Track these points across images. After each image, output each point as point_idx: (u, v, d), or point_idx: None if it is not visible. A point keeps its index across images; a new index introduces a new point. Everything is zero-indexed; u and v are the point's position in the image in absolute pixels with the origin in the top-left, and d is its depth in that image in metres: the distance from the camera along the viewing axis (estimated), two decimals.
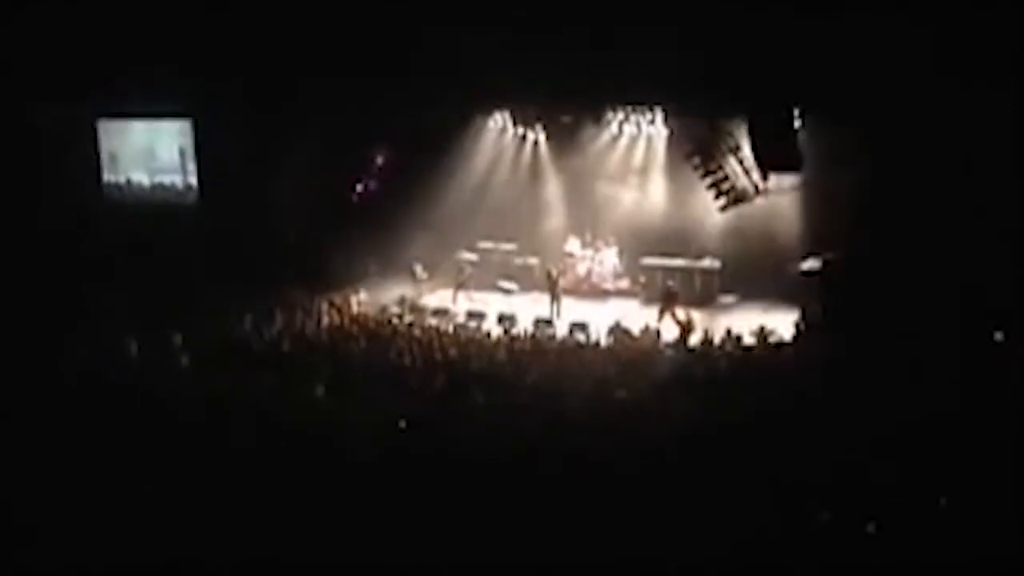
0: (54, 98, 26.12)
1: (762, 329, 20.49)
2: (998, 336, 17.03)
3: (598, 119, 25.82)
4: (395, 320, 22.76)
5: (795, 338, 20.38)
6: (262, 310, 21.54)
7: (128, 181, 29.76)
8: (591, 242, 26.76)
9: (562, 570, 9.60)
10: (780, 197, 23.71)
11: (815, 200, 22.91)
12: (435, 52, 22.96)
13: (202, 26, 24.30)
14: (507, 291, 26.34)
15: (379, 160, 27.49)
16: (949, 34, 18.41)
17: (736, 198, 22.42)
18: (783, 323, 21.29)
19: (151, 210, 28.77)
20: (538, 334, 21.53)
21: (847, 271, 20.34)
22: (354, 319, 22.70)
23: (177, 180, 29.13)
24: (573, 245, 26.85)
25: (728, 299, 24.82)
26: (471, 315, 23.51)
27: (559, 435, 12.71)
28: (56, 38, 25.11)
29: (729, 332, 20.36)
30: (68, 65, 25.46)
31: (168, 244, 25.61)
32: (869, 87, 19.29)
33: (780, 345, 19.92)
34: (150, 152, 29.55)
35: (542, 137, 27.29)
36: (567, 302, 24.78)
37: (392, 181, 27.33)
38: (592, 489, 10.65)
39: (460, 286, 25.96)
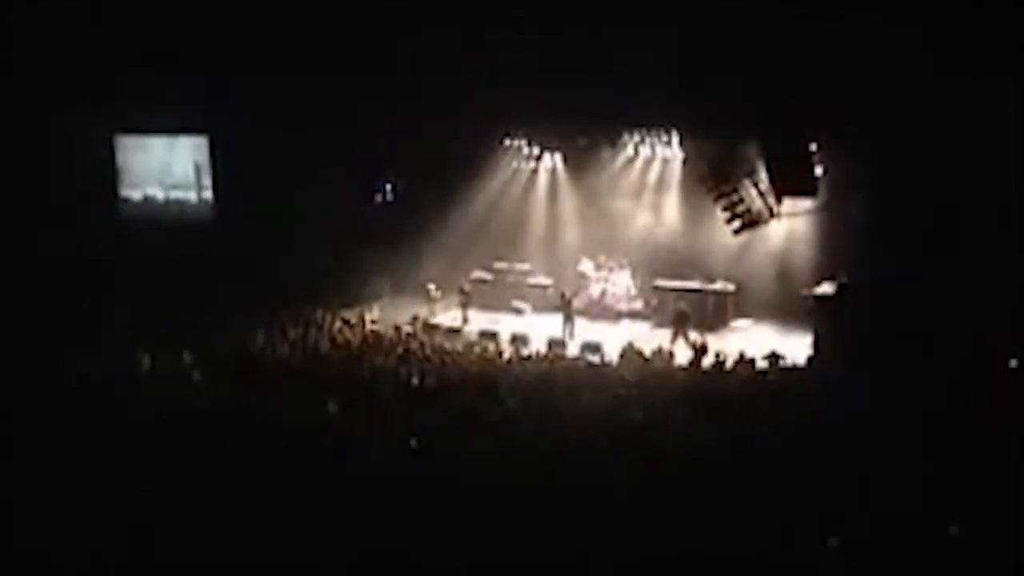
0: (72, 113, 26.28)
1: (774, 353, 20.43)
2: (1013, 363, 16.96)
3: (613, 142, 25.89)
4: (407, 338, 22.73)
5: (808, 362, 20.32)
6: (275, 326, 21.59)
7: (144, 196, 29.93)
8: (604, 263, 26.75)
9: None
10: (795, 221, 23.70)
11: (830, 224, 22.87)
12: (453, 74, 23.09)
13: (220, 44, 24.47)
14: (520, 311, 26.31)
15: (395, 179, 27.58)
16: (959, 51, 18.45)
17: (750, 221, 22.38)
18: (796, 347, 21.24)
19: (166, 225, 28.91)
20: (551, 354, 21.49)
21: (861, 296, 20.27)
22: (366, 337, 22.69)
23: (192, 196, 29.29)
24: (587, 266, 26.84)
25: (741, 322, 24.74)
26: (484, 334, 23.46)
27: (570, 453, 12.70)
28: (74, 54, 25.31)
29: (742, 355, 20.30)
30: (86, 81, 25.64)
31: (182, 259, 25.67)
32: (883, 108, 19.32)
33: (793, 369, 19.86)
34: (166, 168, 29.73)
35: (558, 158, 27.35)
36: (580, 323, 24.74)
37: (407, 200, 27.41)
38: (600, 508, 10.62)
39: (464, 306, 25.96)
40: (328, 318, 23.59)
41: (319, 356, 20.03)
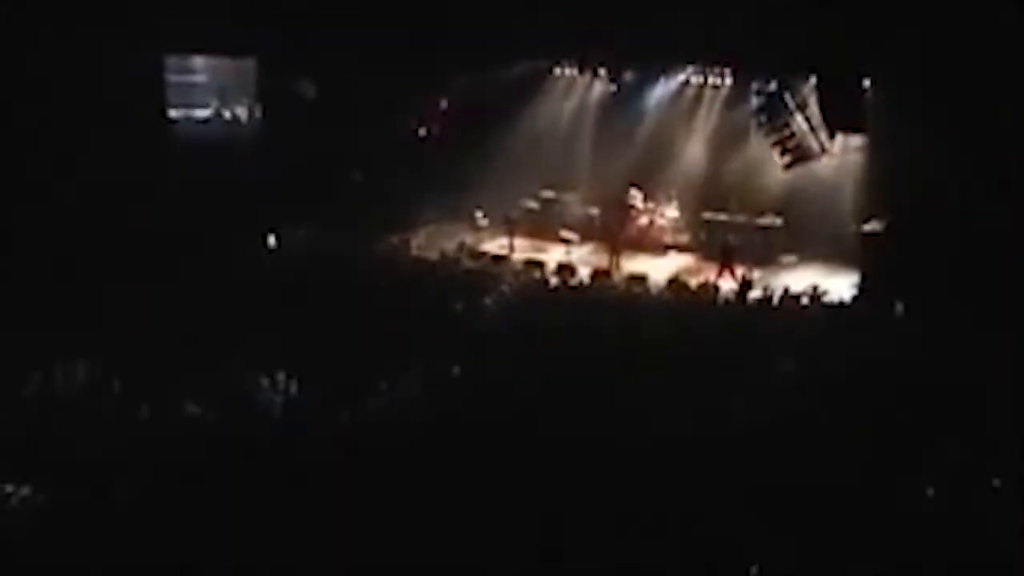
0: (121, 33, 26.27)
1: (815, 288, 20.42)
2: None
3: (665, 74, 25.72)
4: (453, 265, 22.86)
5: (854, 300, 20.31)
6: (323, 250, 21.80)
7: (191, 117, 30.00)
8: (653, 195, 26.64)
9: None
10: (845, 157, 23.55)
11: (880, 161, 22.65)
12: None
13: None
14: (567, 241, 26.31)
15: (444, 104, 27.53)
16: None
17: (801, 156, 22.33)
18: (843, 284, 21.22)
19: (214, 146, 28.98)
20: (596, 285, 21.57)
21: (909, 235, 20.15)
22: (413, 262, 22.83)
23: (242, 116, 29.41)
24: (635, 197, 26.74)
25: (788, 258, 24.62)
26: (530, 263, 23.52)
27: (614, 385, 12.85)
28: None
29: (787, 291, 20.32)
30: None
31: (229, 180, 25.75)
32: (939, 46, 19.02)
33: (838, 306, 19.86)
34: (215, 88, 29.80)
35: (609, 88, 27.15)
36: (626, 254, 24.75)
37: (457, 126, 27.38)
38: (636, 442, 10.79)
39: (511, 234, 25.98)
40: (375, 242, 23.73)
41: (366, 281, 20.18)
